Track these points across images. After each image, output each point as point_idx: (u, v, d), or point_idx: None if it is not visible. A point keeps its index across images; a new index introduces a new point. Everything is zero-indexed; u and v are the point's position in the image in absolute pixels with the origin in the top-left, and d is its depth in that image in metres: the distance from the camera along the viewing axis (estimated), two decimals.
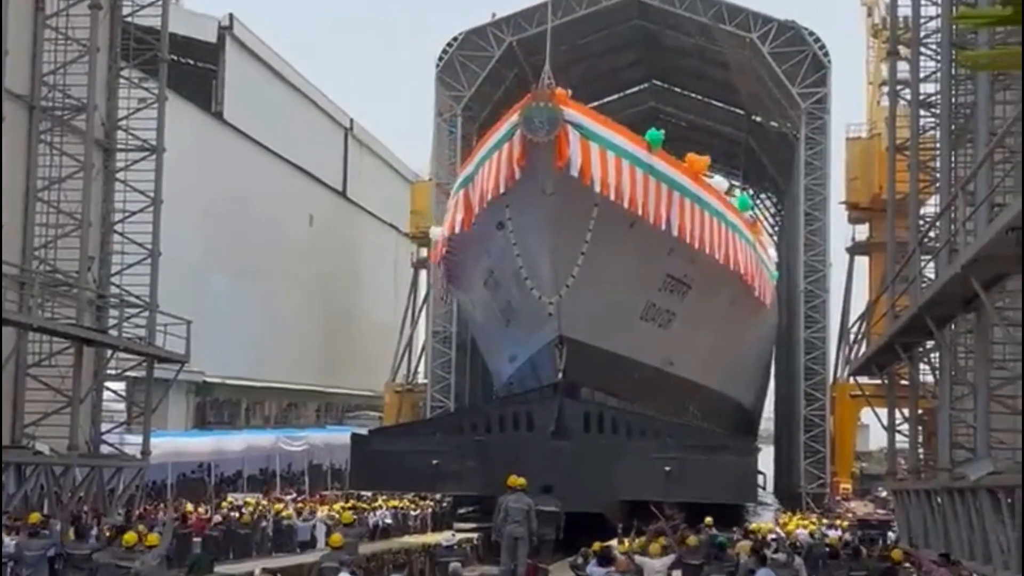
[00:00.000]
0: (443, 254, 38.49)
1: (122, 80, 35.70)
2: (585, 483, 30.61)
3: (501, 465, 26.77)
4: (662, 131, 34.03)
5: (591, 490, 30.57)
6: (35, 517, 22.49)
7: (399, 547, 28.78)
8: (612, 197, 29.69)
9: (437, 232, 40.79)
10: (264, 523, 31.82)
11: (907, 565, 21.33)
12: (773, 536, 29.04)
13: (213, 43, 58.38)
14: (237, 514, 31.99)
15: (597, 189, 29.20)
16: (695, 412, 40.84)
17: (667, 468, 31.25)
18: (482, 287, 36.87)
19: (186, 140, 46.73)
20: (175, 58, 45.38)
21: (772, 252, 52.43)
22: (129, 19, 36.48)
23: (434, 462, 32.81)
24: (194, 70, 58.66)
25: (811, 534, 31.13)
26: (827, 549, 23.13)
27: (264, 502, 37.89)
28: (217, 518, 31.15)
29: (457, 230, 33.93)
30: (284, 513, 33.80)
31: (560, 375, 32.39)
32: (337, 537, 19.67)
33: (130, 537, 18.68)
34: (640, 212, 30.56)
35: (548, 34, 33.19)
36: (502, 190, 29.68)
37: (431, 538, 30.68)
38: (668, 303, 35.86)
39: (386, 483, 36.58)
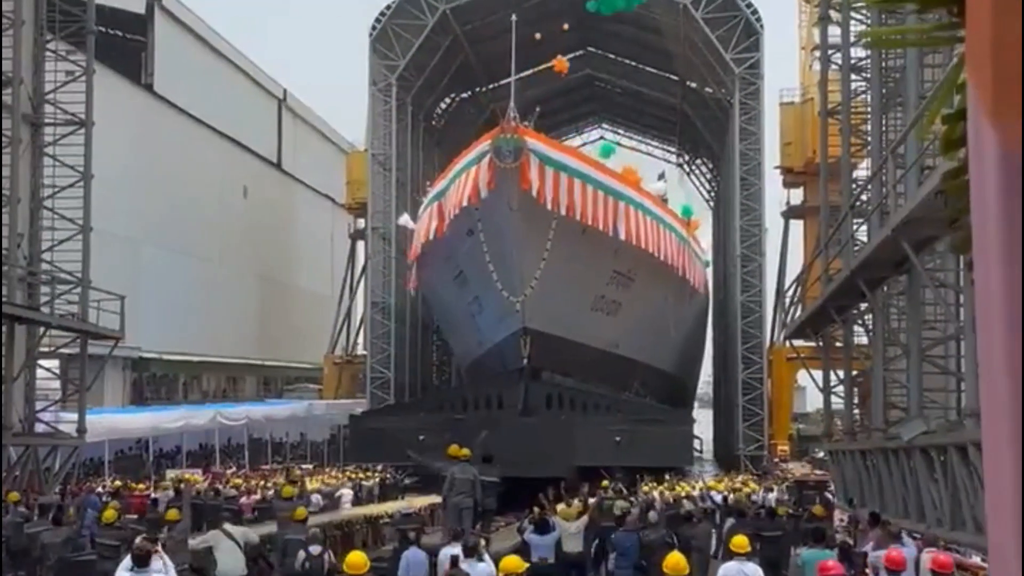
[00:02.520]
0: (417, 253, 42.92)
1: (48, 53, 34.93)
2: (549, 452, 35.22)
3: (478, 440, 30.02)
4: (613, 144, 43.86)
5: (554, 458, 34.76)
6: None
7: (341, 519, 28.73)
8: (566, 211, 35.58)
9: (404, 220, 47.67)
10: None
11: (842, 521, 21.70)
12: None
13: (141, 14, 57.53)
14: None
15: (552, 207, 35.01)
16: (637, 385, 46.57)
17: (617, 438, 36.55)
18: (451, 281, 41.47)
19: (116, 113, 46.04)
20: (103, 30, 44.54)
21: (707, 242, 63.00)
22: None
23: (420, 437, 36.42)
24: (123, 42, 57.74)
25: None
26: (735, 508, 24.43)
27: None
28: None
29: (431, 236, 39.09)
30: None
31: (525, 361, 37.84)
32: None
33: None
34: (591, 221, 36.52)
35: (512, 84, 38.73)
36: (470, 204, 35.40)
37: (373, 509, 30.92)
38: (615, 295, 41.98)
39: (380, 456, 40.70)
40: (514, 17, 40.12)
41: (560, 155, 36.96)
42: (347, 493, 34.36)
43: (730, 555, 14.34)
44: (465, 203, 35.58)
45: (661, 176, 60.31)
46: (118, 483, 34.19)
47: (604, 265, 40.08)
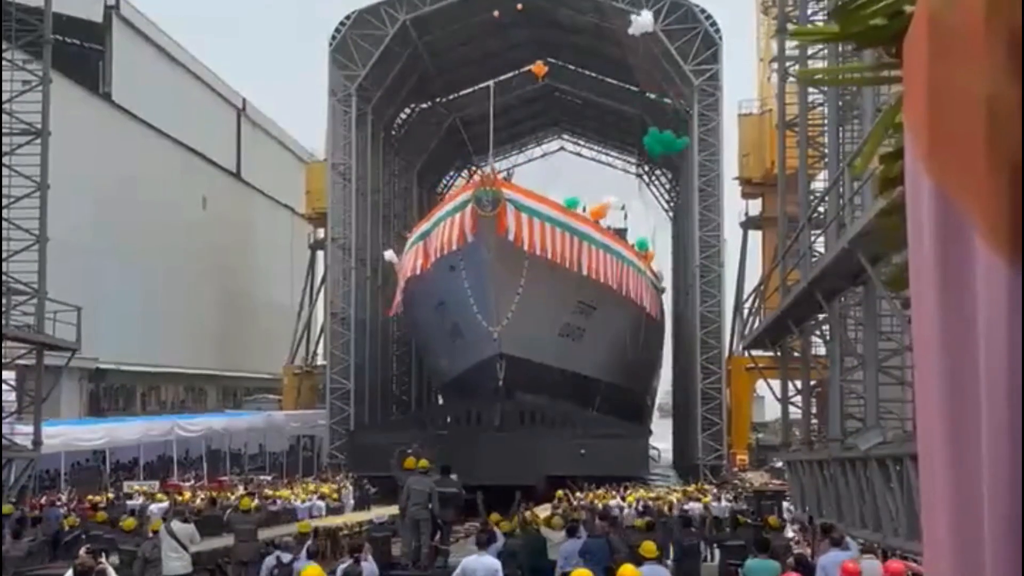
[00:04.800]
0: (403, 286, 47.41)
1: (4, 62, 34.60)
2: (522, 463, 38.86)
3: (459, 453, 33.30)
4: (578, 199, 49.14)
5: (527, 469, 38.45)
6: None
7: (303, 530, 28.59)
8: (538, 252, 40.32)
9: (389, 256, 53.34)
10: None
11: (804, 532, 21.78)
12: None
13: (99, 23, 57.14)
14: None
15: (527, 248, 39.73)
16: (599, 402, 50.28)
17: (582, 451, 40.95)
18: (433, 310, 46.10)
19: (73, 123, 45.71)
20: (60, 39, 44.18)
21: (666, 253, 70.98)
22: None
23: (408, 451, 37.85)
24: (80, 51, 57.32)
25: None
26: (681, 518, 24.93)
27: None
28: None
29: (418, 272, 43.44)
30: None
31: (500, 383, 42.26)
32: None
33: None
34: (559, 259, 41.29)
35: (491, 130, 43.98)
36: (455, 247, 40.12)
37: (332, 520, 31.01)
38: (579, 322, 47.06)
39: (373, 467, 42.46)
40: (491, 82, 45.53)
41: (532, 203, 41.55)
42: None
43: (640, 560, 14.58)
44: (454, 247, 40.15)
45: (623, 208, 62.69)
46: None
47: (570, 296, 44.78)
